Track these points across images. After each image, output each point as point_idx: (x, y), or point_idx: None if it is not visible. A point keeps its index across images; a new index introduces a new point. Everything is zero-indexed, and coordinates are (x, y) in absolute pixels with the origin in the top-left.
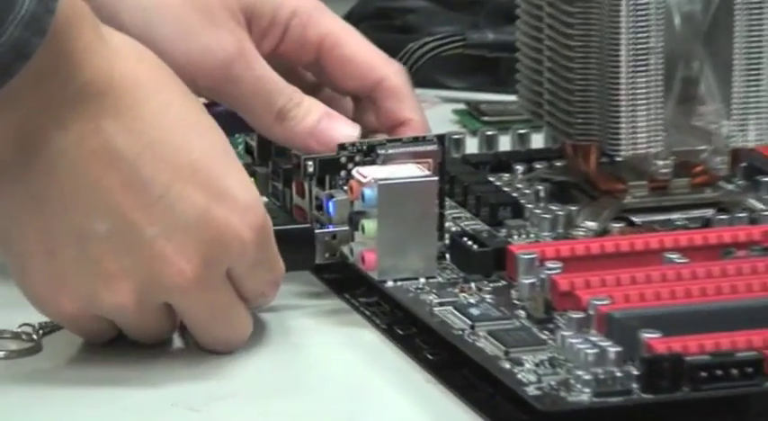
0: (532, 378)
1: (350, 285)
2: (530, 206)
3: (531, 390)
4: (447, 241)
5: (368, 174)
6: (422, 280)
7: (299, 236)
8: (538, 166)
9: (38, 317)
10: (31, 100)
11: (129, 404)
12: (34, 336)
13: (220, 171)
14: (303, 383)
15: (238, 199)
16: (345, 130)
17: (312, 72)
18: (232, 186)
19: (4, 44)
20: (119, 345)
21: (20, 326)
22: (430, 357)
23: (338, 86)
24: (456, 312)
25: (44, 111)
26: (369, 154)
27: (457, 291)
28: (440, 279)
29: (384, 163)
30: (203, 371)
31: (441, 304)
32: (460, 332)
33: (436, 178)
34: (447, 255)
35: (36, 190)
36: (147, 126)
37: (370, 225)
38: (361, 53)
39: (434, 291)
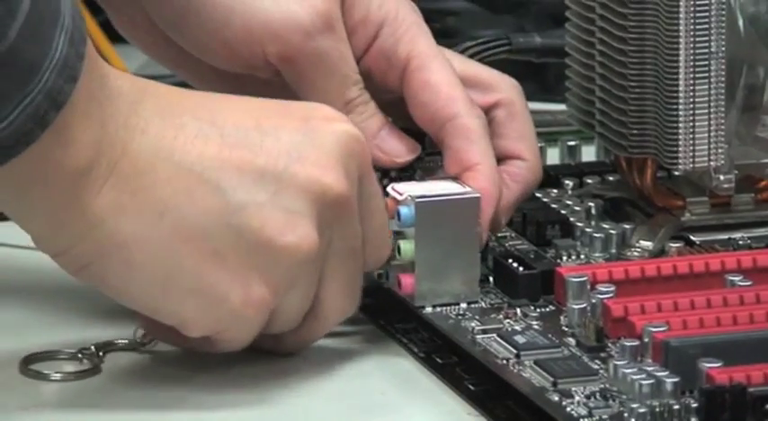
0: (583, 411)
1: (386, 311)
2: (580, 224)
3: None
4: (490, 263)
5: (404, 190)
6: (463, 305)
7: None
8: (589, 181)
9: (97, 339)
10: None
11: None
12: (93, 358)
13: (283, 102)
14: (336, 414)
15: (318, 107)
16: (407, 146)
17: (392, 108)
18: (303, 104)
19: (40, 93)
20: (175, 367)
21: (80, 348)
22: (471, 388)
23: (412, 114)
24: (500, 340)
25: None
26: (405, 169)
27: (501, 317)
28: (482, 304)
29: (422, 178)
30: (248, 396)
31: (483, 331)
32: (505, 361)
33: (478, 195)
34: (490, 279)
35: (157, 207)
36: (203, 99)
37: (406, 246)
38: (444, 84)
39: (477, 317)
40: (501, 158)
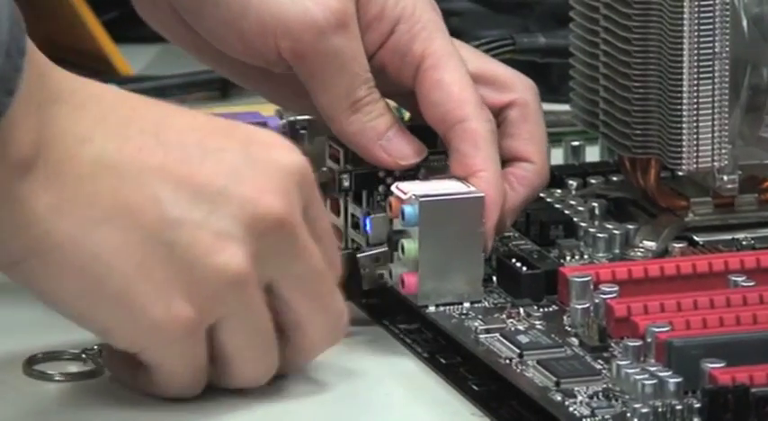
0: (585, 411)
1: (389, 311)
2: (584, 224)
3: None
4: (494, 263)
5: (408, 190)
6: (466, 305)
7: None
8: (593, 182)
9: (100, 340)
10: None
11: None
12: (97, 359)
13: (227, 123)
14: (340, 415)
15: (261, 132)
16: (414, 147)
17: (406, 102)
18: (248, 128)
19: None
20: None
21: (84, 349)
22: (475, 388)
23: (422, 113)
24: (503, 340)
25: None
26: (409, 168)
27: (504, 316)
28: (486, 304)
29: (426, 178)
30: (251, 397)
31: (487, 331)
32: (508, 361)
33: (482, 195)
34: (494, 278)
35: (92, 218)
36: (149, 111)
37: (410, 245)
38: (456, 85)
39: (480, 316)
40: (509, 159)
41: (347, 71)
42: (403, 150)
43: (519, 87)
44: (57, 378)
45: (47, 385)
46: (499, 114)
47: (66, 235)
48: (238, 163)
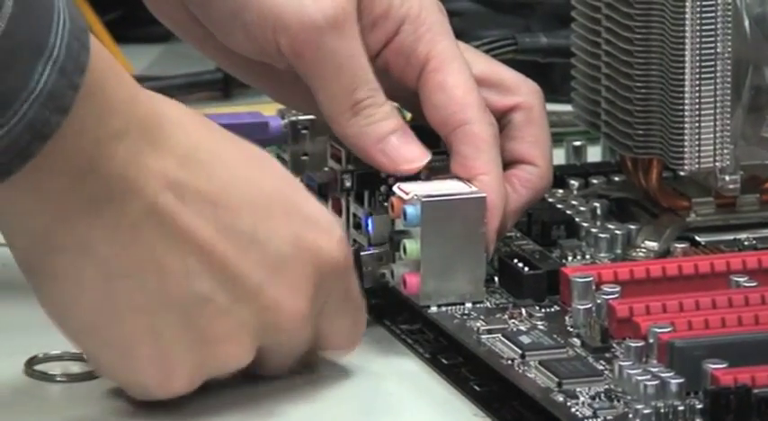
0: (587, 412)
1: (391, 311)
2: (585, 224)
3: None
4: (496, 263)
5: (410, 190)
6: (468, 305)
7: None
8: (594, 182)
9: None
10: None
11: None
12: None
13: (294, 197)
14: (342, 416)
15: (320, 221)
16: (415, 153)
17: (409, 102)
18: (310, 210)
19: (18, 123)
20: None
21: None
22: (477, 389)
23: (425, 114)
24: (505, 340)
25: (109, 169)
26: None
27: (506, 317)
28: (488, 304)
29: (428, 178)
30: (253, 399)
31: (489, 331)
32: (510, 362)
33: (484, 195)
34: (496, 279)
35: (122, 263)
36: (216, 167)
37: (412, 245)
38: (460, 88)
39: (482, 317)
40: (512, 162)
41: (345, 71)
42: (404, 155)
43: (524, 91)
44: (58, 378)
45: (48, 385)
46: (503, 117)
47: (91, 274)
48: (280, 257)
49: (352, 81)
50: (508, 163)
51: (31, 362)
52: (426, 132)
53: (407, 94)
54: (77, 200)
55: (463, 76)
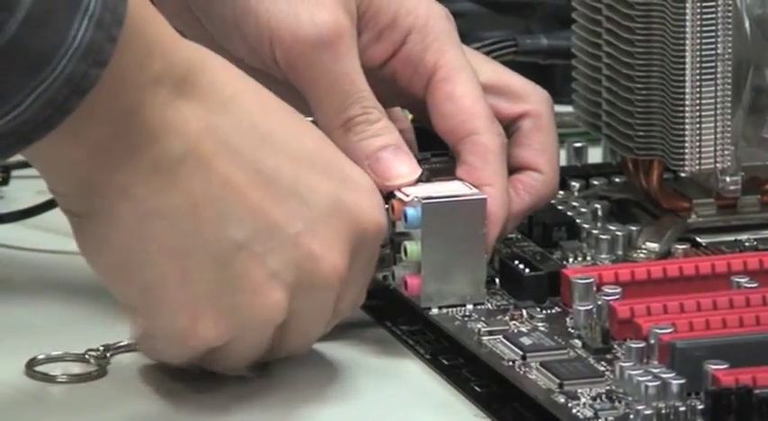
0: (589, 413)
1: (391, 312)
2: (586, 226)
3: None
4: (497, 265)
5: (411, 192)
6: (469, 306)
7: None
8: (595, 183)
9: (103, 341)
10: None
11: None
12: (100, 360)
13: (334, 157)
14: (343, 417)
15: (360, 182)
16: (403, 170)
17: (416, 109)
18: (350, 171)
19: (57, 79)
20: (181, 369)
21: (87, 350)
22: (478, 390)
23: (433, 123)
24: (506, 342)
25: (149, 114)
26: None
27: (507, 318)
28: (489, 306)
29: (428, 180)
30: (254, 399)
31: (490, 333)
32: (511, 363)
33: (484, 197)
34: (496, 280)
35: (158, 207)
36: (257, 117)
37: (413, 247)
38: (468, 98)
39: (483, 318)
40: (519, 168)
41: (338, 89)
42: (392, 171)
43: (533, 98)
44: (59, 379)
45: (49, 386)
46: (512, 124)
47: (127, 216)
48: (319, 211)
49: (345, 98)
50: (514, 168)
51: (32, 362)
52: (429, 133)
53: (415, 103)
54: (118, 145)
55: (471, 85)
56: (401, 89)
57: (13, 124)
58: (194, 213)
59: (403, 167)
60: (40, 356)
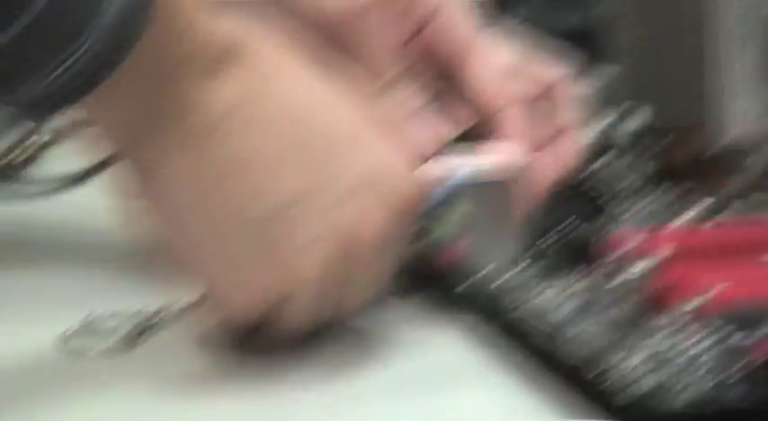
0: (630, 380)
1: (427, 283)
2: (634, 190)
3: (629, 394)
4: (533, 234)
5: (444, 163)
6: (506, 276)
7: None
8: (641, 149)
9: (135, 314)
10: (167, 65)
11: (186, 412)
12: (131, 333)
13: (370, 128)
14: (389, 383)
15: (396, 154)
16: (437, 132)
17: (440, 89)
18: (385, 144)
19: (86, 52)
20: (215, 346)
21: (118, 322)
22: (517, 359)
23: (460, 100)
24: (545, 310)
25: (185, 84)
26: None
27: (546, 287)
28: (525, 274)
29: (458, 156)
30: (299, 372)
31: (528, 302)
32: (551, 331)
33: (517, 167)
34: (531, 249)
35: (193, 175)
36: (295, 90)
37: (448, 218)
38: (494, 75)
39: (522, 286)
40: (546, 142)
41: (375, 54)
42: (428, 134)
43: (553, 75)
44: (90, 352)
45: (80, 361)
46: (535, 101)
47: (163, 183)
48: (355, 181)
49: (381, 64)
50: (541, 143)
51: (65, 337)
52: None
53: (439, 81)
54: (154, 114)
55: (499, 61)
56: (426, 67)
57: (47, 90)
58: (226, 181)
59: (436, 132)
60: (73, 330)
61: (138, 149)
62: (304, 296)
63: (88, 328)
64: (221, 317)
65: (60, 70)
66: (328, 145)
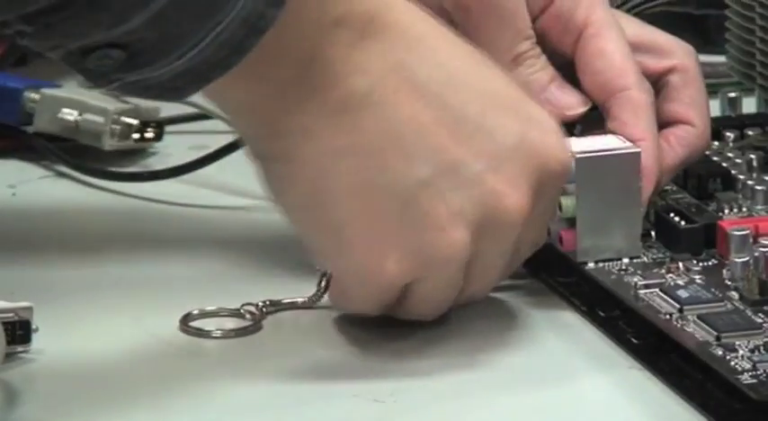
0: (747, 365)
1: (547, 266)
2: (742, 177)
3: (746, 378)
4: (652, 218)
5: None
6: (625, 260)
7: None
8: (750, 133)
9: (257, 297)
10: (312, 41)
11: (310, 395)
12: (255, 316)
13: (519, 96)
14: (497, 369)
15: (545, 121)
16: (576, 99)
17: (563, 68)
18: (535, 110)
19: (235, 19)
20: (341, 327)
21: (242, 305)
22: (634, 342)
23: (582, 80)
24: (663, 295)
25: (332, 55)
26: (566, 124)
27: (663, 271)
28: (645, 259)
29: (582, 134)
30: (388, 361)
31: (646, 286)
32: (668, 316)
33: (639, 150)
34: (652, 233)
35: (344, 145)
36: (443, 56)
37: (568, 202)
38: (618, 54)
39: (639, 272)
40: (671, 122)
41: (510, 26)
42: (568, 101)
43: (679, 53)
44: (213, 334)
45: (203, 341)
46: (659, 80)
47: (312, 156)
48: (505, 149)
49: (517, 34)
50: (666, 123)
51: (187, 318)
52: None
53: (563, 60)
54: (301, 87)
55: (621, 42)
56: (551, 46)
57: (190, 64)
58: (379, 151)
59: (574, 98)
60: (195, 311)
61: (285, 123)
62: (444, 272)
63: (213, 309)
64: (357, 299)
65: (209, 39)
66: (481, 108)
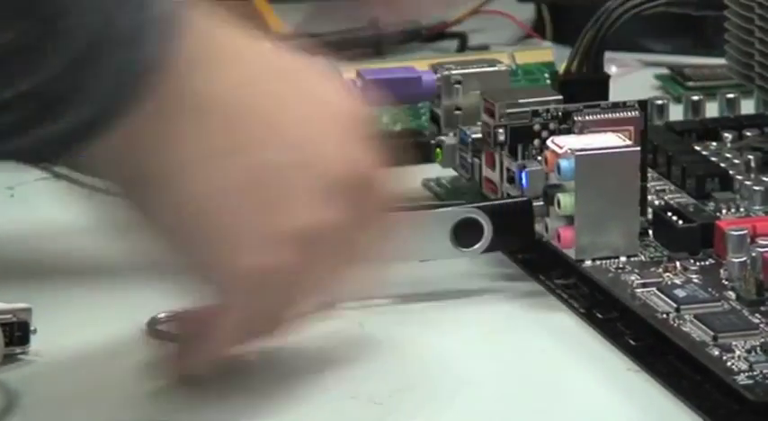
0: (743, 365)
1: (545, 265)
2: (740, 177)
3: (742, 379)
4: (650, 216)
5: (564, 144)
6: (623, 259)
7: (517, 210)
8: (748, 134)
9: None
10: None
11: (310, 397)
12: None
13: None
14: (493, 372)
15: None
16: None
17: None
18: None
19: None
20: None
21: None
22: (632, 343)
23: None
24: (660, 294)
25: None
26: (564, 121)
27: (661, 270)
28: (642, 257)
29: (581, 131)
30: (385, 363)
31: (643, 285)
32: (665, 316)
33: (638, 148)
34: (650, 232)
35: (210, 136)
36: (249, 47)
37: (566, 199)
38: None
39: (636, 270)
40: None
41: None
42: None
43: None
44: (178, 338)
45: (168, 345)
46: None
47: (176, 165)
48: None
49: None
50: None
51: (153, 322)
52: (582, 83)
53: None
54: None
55: None
56: None
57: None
58: (231, 136)
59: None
60: (161, 316)
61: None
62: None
63: (178, 313)
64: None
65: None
66: (301, 93)
